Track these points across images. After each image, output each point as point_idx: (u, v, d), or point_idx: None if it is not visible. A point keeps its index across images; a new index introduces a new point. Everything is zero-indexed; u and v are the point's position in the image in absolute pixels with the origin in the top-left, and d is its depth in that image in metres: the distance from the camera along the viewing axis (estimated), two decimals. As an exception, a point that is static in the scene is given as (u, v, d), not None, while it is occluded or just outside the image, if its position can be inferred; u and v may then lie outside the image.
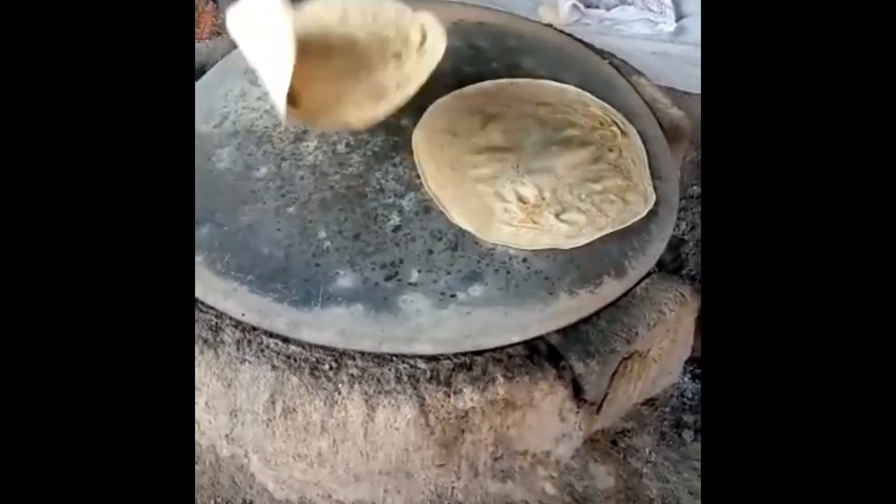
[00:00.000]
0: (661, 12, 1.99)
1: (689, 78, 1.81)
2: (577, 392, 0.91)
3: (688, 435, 1.12)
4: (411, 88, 0.98)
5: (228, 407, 0.89)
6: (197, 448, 1.00)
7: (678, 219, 1.05)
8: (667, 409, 1.10)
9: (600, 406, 0.97)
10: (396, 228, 0.98)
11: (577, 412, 0.93)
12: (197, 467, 1.00)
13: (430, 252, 0.96)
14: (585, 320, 0.92)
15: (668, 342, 0.98)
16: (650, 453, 1.06)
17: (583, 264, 0.96)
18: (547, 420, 0.92)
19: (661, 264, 0.99)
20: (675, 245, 1.02)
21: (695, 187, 1.50)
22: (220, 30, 1.69)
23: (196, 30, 1.70)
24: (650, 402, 1.10)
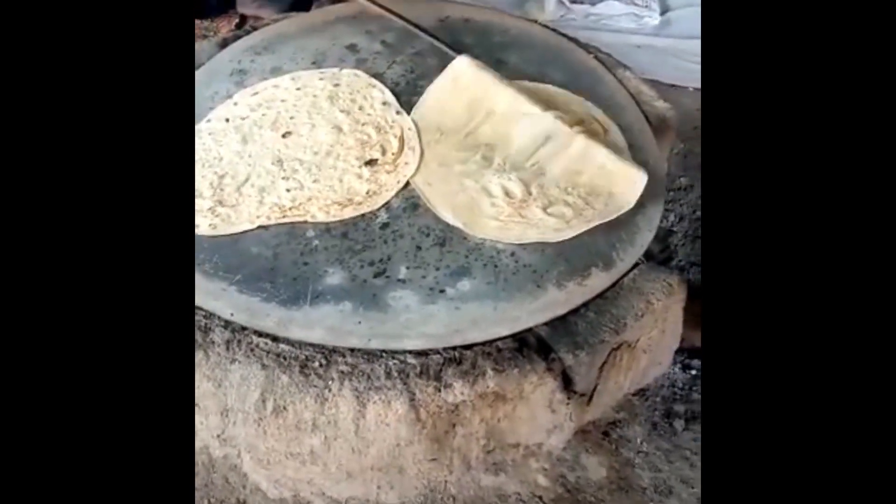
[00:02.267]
0: (647, 6, 2.01)
1: (675, 70, 1.82)
2: (567, 383, 0.92)
3: (679, 424, 1.13)
4: (380, 200, 1.01)
5: (219, 407, 0.89)
6: (190, 449, 1.00)
7: (666, 210, 1.06)
8: (658, 399, 1.11)
9: (591, 397, 0.98)
10: (384, 226, 0.99)
11: (568, 403, 0.94)
12: (190, 468, 1.01)
13: (419, 248, 0.96)
14: (574, 312, 0.93)
15: (657, 332, 0.99)
16: (642, 443, 1.07)
17: (571, 257, 0.96)
18: (538, 412, 0.93)
19: (649, 255, 1.00)
20: (664, 236, 1.02)
21: (682, 179, 1.51)
22: (205, 32, 1.69)
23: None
24: (641, 392, 1.11)
